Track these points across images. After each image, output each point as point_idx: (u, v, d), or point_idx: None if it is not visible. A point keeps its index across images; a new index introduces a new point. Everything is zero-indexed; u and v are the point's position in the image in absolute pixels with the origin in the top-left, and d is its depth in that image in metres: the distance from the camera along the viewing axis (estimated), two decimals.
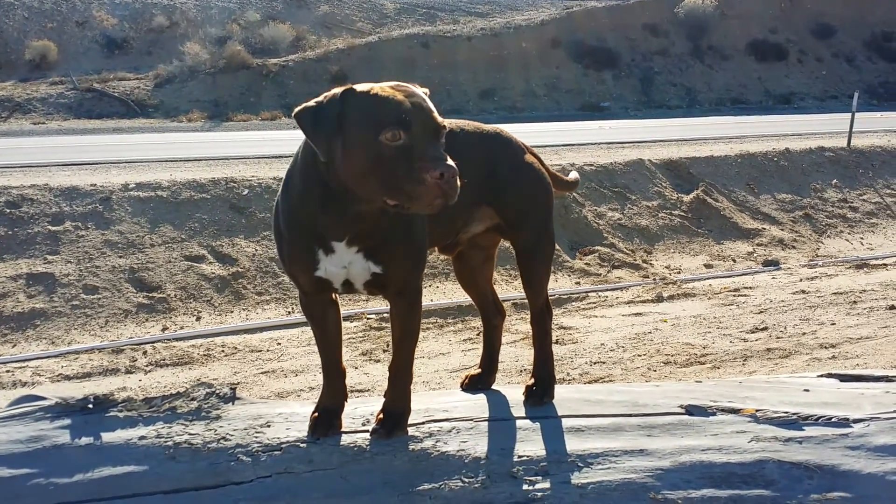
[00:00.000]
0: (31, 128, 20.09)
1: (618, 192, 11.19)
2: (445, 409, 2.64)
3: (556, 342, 6.77)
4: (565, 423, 2.59)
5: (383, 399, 2.68)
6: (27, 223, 8.39)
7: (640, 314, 7.74)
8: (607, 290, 8.80)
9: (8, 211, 8.46)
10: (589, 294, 8.61)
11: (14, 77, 25.00)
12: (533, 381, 2.84)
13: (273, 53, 26.73)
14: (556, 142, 14.87)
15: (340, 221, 2.33)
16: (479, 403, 2.71)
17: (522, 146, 2.95)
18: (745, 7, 32.71)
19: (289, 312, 7.92)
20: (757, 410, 2.66)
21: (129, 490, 2.24)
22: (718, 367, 5.97)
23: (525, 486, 2.31)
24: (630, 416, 2.63)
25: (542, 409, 2.67)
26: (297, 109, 2.26)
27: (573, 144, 14.51)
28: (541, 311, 2.94)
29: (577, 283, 9.11)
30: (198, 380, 6.06)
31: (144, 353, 6.79)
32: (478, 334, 7.22)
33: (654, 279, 9.18)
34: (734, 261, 10.16)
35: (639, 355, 6.38)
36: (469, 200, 2.70)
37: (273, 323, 7.63)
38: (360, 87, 2.24)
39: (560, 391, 2.80)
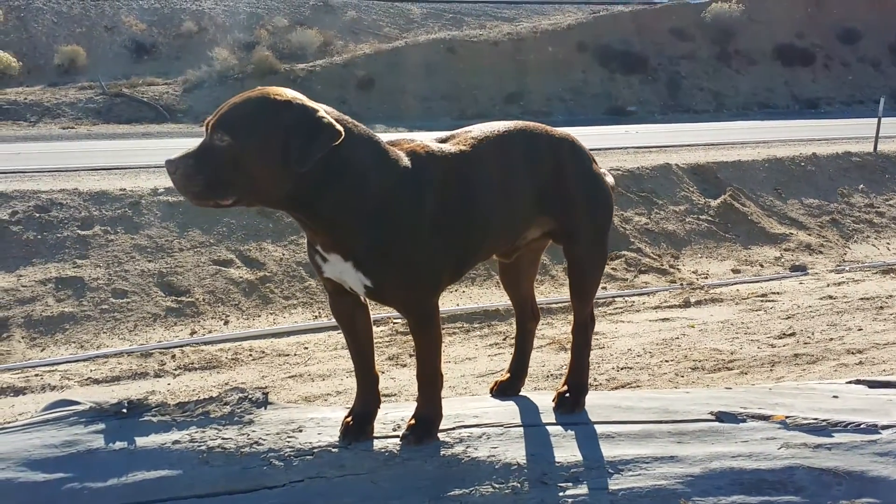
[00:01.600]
0: (60, 132, 20.31)
1: (644, 196, 11.15)
2: (476, 415, 2.64)
3: None
4: (596, 429, 2.58)
5: (405, 408, 2.69)
6: (56, 227, 8.50)
7: (668, 319, 7.70)
8: (634, 295, 8.77)
9: (37, 215, 8.57)
10: (615, 299, 8.58)
11: (43, 82, 25.29)
12: (566, 388, 2.81)
13: (301, 59, 26.88)
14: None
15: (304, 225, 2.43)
16: (509, 409, 2.71)
17: (589, 154, 2.89)
18: (771, 12, 32.50)
19: (316, 317, 7.96)
20: (787, 417, 2.65)
21: (163, 494, 2.25)
22: (746, 373, 5.93)
23: (556, 493, 2.31)
24: (660, 422, 2.62)
25: (573, 416, 2.67)
26: None
27: (599, 149, 14.47)
28: (585, 322, 2.90)
29: (604, 287, 9.08)
30: (226, 384, 6.11)
31: (173, 356, 6.85)
32: (504, 339, 7.22)
33: (682, 284, 9.14)
34: (762, 266, 10.10)
35: (666, 361, 6.35)
36: (532, 207, 2.68)
37: (300, 327, 7.67)
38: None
39: (590, 397, 2.79)
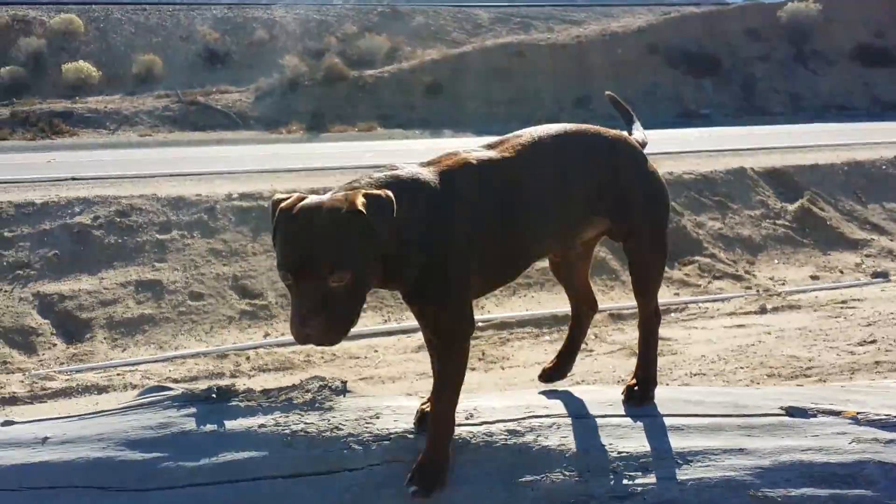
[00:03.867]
0: (139, 140, 20.87)
1: (718, 201, 10.98)
2: (546, 406, 2.67)
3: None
4: (665, 421, 2.60)
5: (478, 398, 2.72)
6: (136, 232, 8.73)
7: (743, 326, 7.56)
8: (708, 301, 8.63)
9: (118, 220, 8.82)
10: (689, 305, 8.46)
11: (121, 91, 25.99)
12: (634, 381, 2.80)
13: (369, 65, 27.13)
14: (654, 150, 14.62)
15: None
16: (579, 400, 2.74)
17: (643, 153, 2.85)
18: (849, 11, 31.62)
19: (385, 321, 8.02)
20: (858, 413, 2.62)
21: (251, 474, 2.37)
22: (824, 381, 5.78)
23: (624, 481, 2.35)
24: (730, 416, 2.62)
25: (642, 408, 2.68)
26: (274, 196, 2.24)
27: (672, 153, 14.27)
28: (649, 317, 2.89)
29: (677, 293, 8.96)
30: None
31: (247, 358, 6.98)
32: None
33: (758, 291, 8.95)
34: (841, 272, 9.84)
35: (741, 367, 6.23)
36: (587, 209, 2.65)
37: (370, 331, 7.74)
38: (296, 206, 2.13)
39: (659, 391, 2.81)
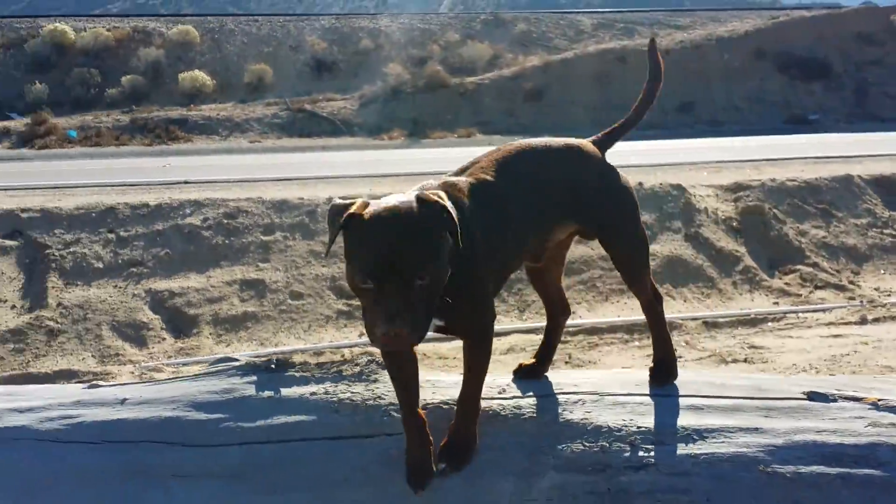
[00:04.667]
0: (249, 146, 21.61)
1: (823, 208, 10.72)
2: (574, 384, 2.84)
3: (745, 361, 6.62)
4: (685, 401, 2.74)
5: (507, 380, 2.84)
6: (242, 233, 9.13)
7: (840, 336, 7.40)
8: (807, 311, 8.45)
9: (226, 222, 9.23)
10: (786, 315, 8.31)
11: (234, 99, 26.99)
12: (654, 363, 2.90)
13: (470, 72, 27.38)
14: (758, 156, 14.38)
15: None
16: (605, 380, 2.89)
17: (600, 156, 2.89)
18: None
19: None
20: (879, 399, 2.68)
21: (301, 435, 2.66)
22: None
23: (640, 453, 2.52)
24: (751, 398, 2.73)
25: (665, 389, 2.81)
26: (332, 202, 2.28)
27: (776, 159, 13.99)
28: (649, 300, 2.95)
29: (776, 302, 8.82)
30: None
31: (342, 356, 7.22)
32: None
33: (861, 301, 8.72)
34: None
35: (831, 377, 6.12)
36: (554, 219, 2.76)
37: None
38: (367, 212, 2.17)
39: (685, 374, 2.91)
